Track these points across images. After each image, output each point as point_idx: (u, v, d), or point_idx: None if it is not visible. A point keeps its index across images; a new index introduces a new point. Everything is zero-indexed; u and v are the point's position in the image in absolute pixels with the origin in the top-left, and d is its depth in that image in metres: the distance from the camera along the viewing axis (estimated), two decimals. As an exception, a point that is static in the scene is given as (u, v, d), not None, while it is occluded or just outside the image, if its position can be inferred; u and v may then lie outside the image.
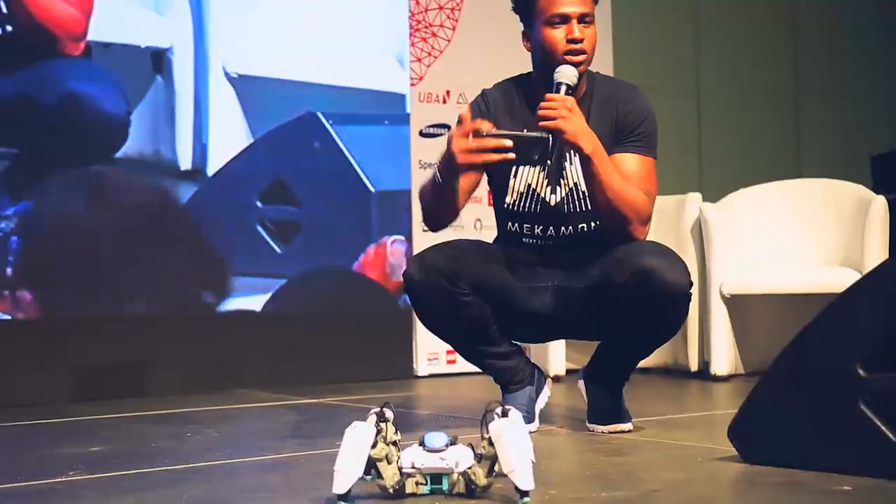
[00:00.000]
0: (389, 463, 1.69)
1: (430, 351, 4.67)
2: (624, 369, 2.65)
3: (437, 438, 1.71)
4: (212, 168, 4.34)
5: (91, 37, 4.06)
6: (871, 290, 1.84)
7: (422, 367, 4.69)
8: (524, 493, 1.61)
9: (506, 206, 2.61)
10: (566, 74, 2.47)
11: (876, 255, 3.92)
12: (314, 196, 4.51)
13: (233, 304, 4.33)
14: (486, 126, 2.35)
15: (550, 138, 2.41)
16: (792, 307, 3.85)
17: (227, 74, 4.38)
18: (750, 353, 4.23)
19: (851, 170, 5.58)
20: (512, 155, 2.33)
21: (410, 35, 4.86)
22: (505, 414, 1.70)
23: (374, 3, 4.77)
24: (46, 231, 3.96)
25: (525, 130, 2.50)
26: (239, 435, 2.73)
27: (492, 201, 2.74)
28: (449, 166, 2.39)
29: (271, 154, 4.45)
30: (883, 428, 1.77)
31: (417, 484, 1.71)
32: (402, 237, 4.70)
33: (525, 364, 2.70)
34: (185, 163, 4.28)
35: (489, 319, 2.58)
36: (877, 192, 4.25)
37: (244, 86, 4.41)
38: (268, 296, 4.40)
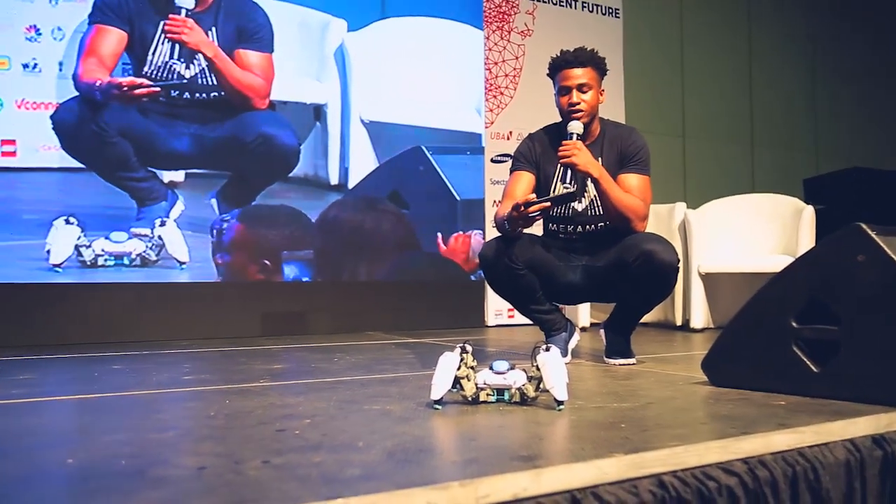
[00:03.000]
0: (468, 380, 1.70)
1: (496, 308, 4.69)
2: (632, 321, 2.62)
3: (501, 365, 1.72)
4: (351, 183, 4.40)
5: (273, 97, 4.16)
6: (800, 269, 1.81)
7: (490, 319, 4.70)
8: (560, 403, 1.62)
9: (549, 213, 2.60)
10: (573, 126, 2.51)
11: (806, 246, 3.84)
12: (419, 202, 4.55)
13: (366, 274, 4.40)
14: (531, 197, 2.39)
15: (569, 173, 2.44)
16: (747, 281, 3.78)
17: (362, 121, 4.43)
18: (717, 313, 4.16)
19: (790, 188, 5.46)
20: (548, 203, 2.35)
21: (486, 94, 4.87)
22: (548, 349, 1.71)
23: (461, 73, 4.78)
24: (254, 224, 4.08)
25: (554, 181, 2.59)
26: (368, 360, 2.76)
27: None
28: (511, 228, 2.41)
29: (391, 174, 4.49)
30: (808, 362, 1.75)
31: (487, 395, 1.72)
32: (480, 231, 4.72)
33: (561, 318, 2.70)
34: (334, 179, 4.35)
35: (537, 287, 2.58)
36: (807, 203, 4.15)
37: (373, 128, 4.46)
38: (386, 269, 4.46)
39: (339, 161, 4.35)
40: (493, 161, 4.81)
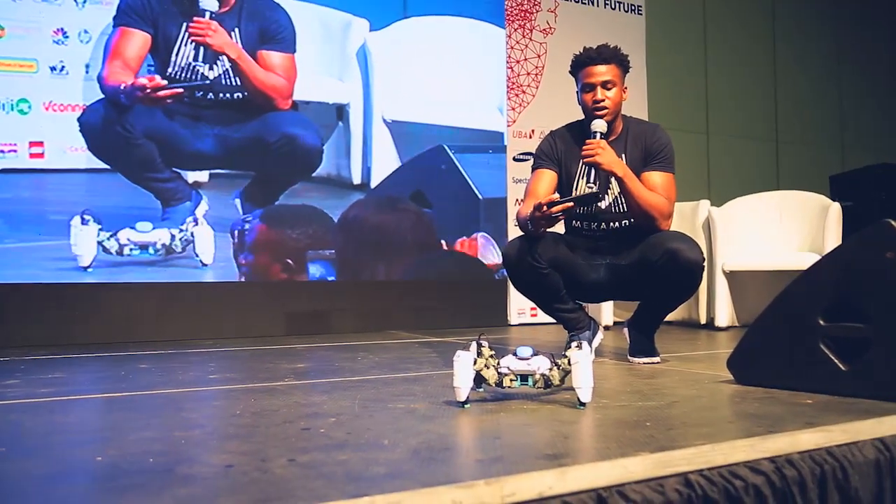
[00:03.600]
0: (489, 369, 1.70)
1: (519, 307, 4.68)
2: (656, 320, 2.60)
3: (525, 351, 1.71)
4: (374, 182, 4.42)
5: (296, 97, 4.18)
6: (826, 267, 1.79)
7: (513, 318, 4.70)
8: (582, 404, 1.62)
9: (573, 211, 2.57)
10: (597, 125, 2.49)
11: (832, 244, 3.79)
12: (442, 201, 4.55)
13: (389, 273, 4.41)
14: (554, 197, 2.40)
15: (593, 172, 2.43)
16: (773, 279, 3.74)
17: (384, 120, 4.44)
18: (742, 311, 4.12)
19: (816, 185, 5.39)
20: (571, 203, 2.35)
21: (508, 92, 4.86)
22: (580, 346, 1.69)
23: (483, 72, 4.78)
24: (277, 224, 4.11)
25: (577, 179, 2.58)
26: (392, 359, 2.76)
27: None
28: (534, 228, 2.40)
29: (413, 173, 4.50)
30: (835, 360, 1.73)
31: (511, 380, 1.71)
32: (484, 233, 4.69)
33: (585, 316, 2.68)
34: (357, 179, 4.37)
35: (560, 286, 2.57)
36: (833, 200, 4.10)
37: (395, 128, 4.47)
38: (408, 268, 4.47)
39: (362, 160, 4.37)
40: (515, 160, 4.80)
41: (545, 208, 2.29)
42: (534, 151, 2.76)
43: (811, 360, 1.76)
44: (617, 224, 2.58)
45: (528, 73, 4.92)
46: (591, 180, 2.44)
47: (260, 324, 3.99)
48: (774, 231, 4.19)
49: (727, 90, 6.05)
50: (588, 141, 2.46)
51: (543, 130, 4.69)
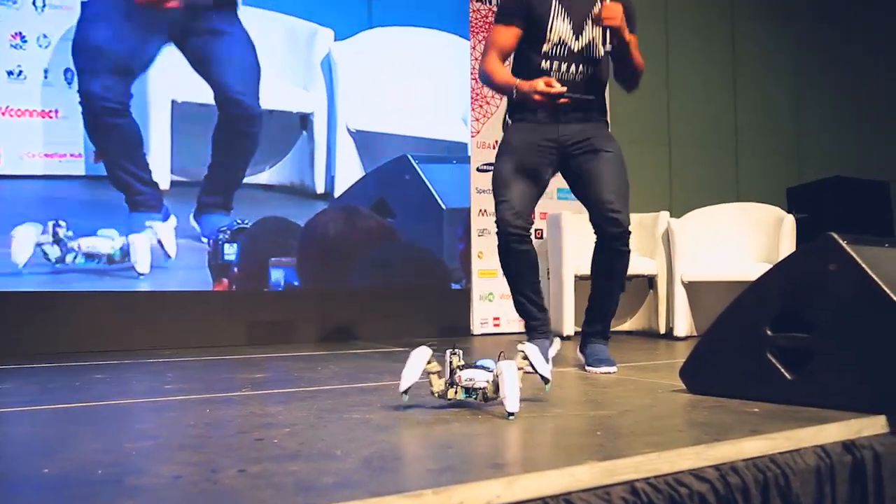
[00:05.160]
0: (440, 378, 1.74)
1: (482, 317, 4.70)
2: (605, 315, 2.66)
3: (487, 362, 1.76)
4: (337, 191, 4.41)
5: (262, 106, 4.17)
6: (774, 278, 1.84)
7: (476, 328, 4.72)
8: (510, 413, 1.62)
9: (543, 52, 2.59)
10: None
11: (786, 255, 3.86)
12: (405, 211, 4.56)
13: (352, 282, 4.40)
14: (558, 86, 2.46)
15: (607, 33, 2.56)
16: (730, 289, 3.73)
17: (348, 130, 4.45)
18: (701, 321, 4.17)
19: (775, 196, 5.51)
20: (567, 99, 2.48)
21: (472, 103, 4.89)
22: (523, 353, 1.75)
23: (448, 82, 4.81)
24: (241, 233, 4.08)
25: (550, 20, 2.60)
26: (351, 369, 2.76)
27: (517, 55, 2.72)
28: (525, 98, 2.50)
29: (377, 182, 4.50)
30: (782, 370, 1.77)
31: (455, 393, 1.74)
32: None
33: (548, 325, 2.72)
34: (320, 188, 4.36)
35: (538, 269, 2.65)
36: (789, 212, 4.20)
37: (360, 137, 4.47)
38: (371, 278, 4.46)
39: (326, 169, 4.36)
40: (478, 170, 4.83)
41: (543, 96, 2.43)
42: (501, 1, 2.79)
43: (760, 370, 1.80)
44: (585, 69, 2.61)
45: (492, 85, 4.96)
46: (608, 40, 2.57)
47: (220, 333, 3.95)
48: (732, 242, 4.27)
49: (689, 102, 6.16)
50: (606, 4, 2.51)
51: (507, 141, 4.73)
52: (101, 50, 3.77)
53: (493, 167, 2.69)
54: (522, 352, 1.75)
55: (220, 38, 4.07)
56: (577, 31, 2.59)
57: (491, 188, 2.69)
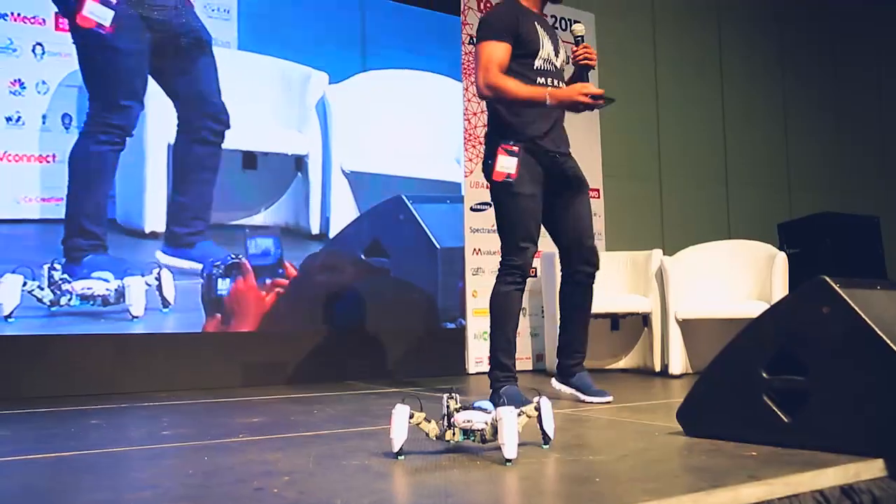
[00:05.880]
0: (429, 422, 1.76)
1: (477, 356, 4.70)
2: (584, 344, 2.85)
3: (485, 404, 1.76)
4: (332, 232, 4.43)
5: (254, 148, 4.20)
6: (768, 321, 1.86)
7: (471, 367, 4.71)
8: (508, 460, 1.63)
9: (535, 67, 2.80)
10: (579, 29, 2.82)
11: (779, 292, 3.90)
12: (400, 251, 4.57)
13: (347, 322, 4.39)
14: (599, 91, 2.66)
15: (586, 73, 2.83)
16: (724, 327, 3.83)
17: (343, 171, 4.48)
18: (696, 358, 4.19)
19: (766, 231, 5.57)
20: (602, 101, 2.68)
21: (465, 144, 4.95)
22: (504, 402, 1.80)
23: (441, 123, 4.87)
24: (237, 274, 4.08)
25: (541, 42, 2.84)
26: (347, 412, 2.75)
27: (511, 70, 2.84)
28: (568, 105, 2.70)
29: (372, 223, 4.52)
30: (779, 413, 1.78)
31: (453, 434, 1.75)
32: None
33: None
34: (315, 229, 4.38)
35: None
36: (781, 249, 4.24)
37: (354, 178, 4.50)
38: (366, 318, 4.47)
39: (321, 210, 4.39)
40: (472, 210, 4.87)
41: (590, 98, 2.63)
42: (487, 19, 2.92)
43: (756, 412, 1.81)
44: (559, 81, 2.87)
45: (485, 125, 5.01)
46: (581, 77, 2.81)
47: (215, 375, 3.93)
48: (725, 279, 4.29)
49: (679, 137, 6.24)
50: (584, 45, 2.78)
51: (500, 181, 4.77)
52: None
53: (501, 203, 2.77)
54: (537, 403, 1.78)
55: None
56: (557, 50, 2.85)
57: (498, 227, 2.75)
